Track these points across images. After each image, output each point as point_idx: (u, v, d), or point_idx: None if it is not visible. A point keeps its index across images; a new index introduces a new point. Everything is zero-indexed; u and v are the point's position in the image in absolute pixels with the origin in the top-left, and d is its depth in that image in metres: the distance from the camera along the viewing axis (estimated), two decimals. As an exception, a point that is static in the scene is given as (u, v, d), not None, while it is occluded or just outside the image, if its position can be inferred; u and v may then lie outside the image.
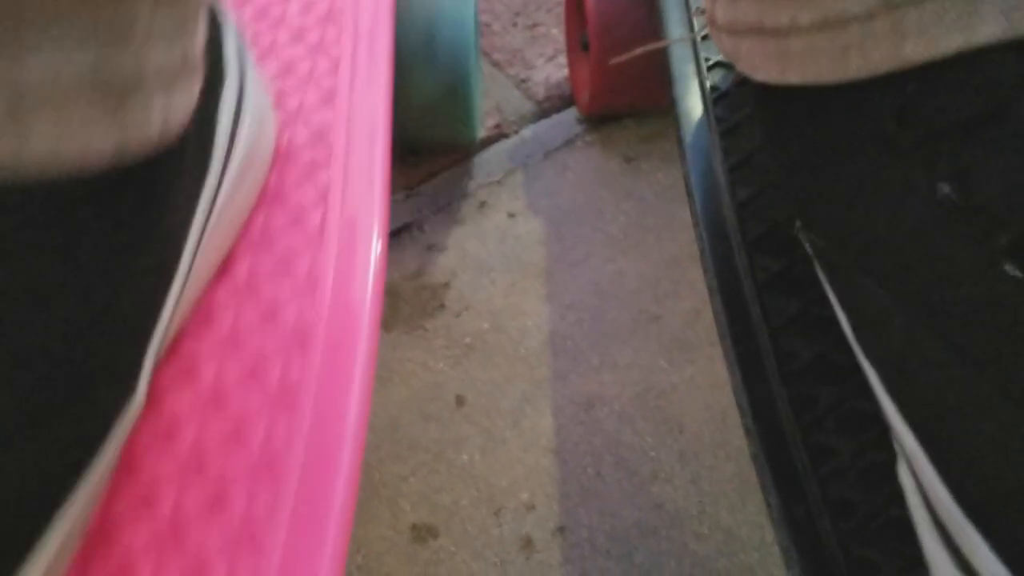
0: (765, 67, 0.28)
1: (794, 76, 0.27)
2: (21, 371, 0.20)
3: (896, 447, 0.26)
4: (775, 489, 0.27)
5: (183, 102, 0.24)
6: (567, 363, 0.44)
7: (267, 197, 0.32)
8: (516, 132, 0.54)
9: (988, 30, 0.23)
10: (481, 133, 0.54)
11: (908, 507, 0.25)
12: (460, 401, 0.42)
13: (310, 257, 0.30)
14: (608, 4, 0.50)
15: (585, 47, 0.53)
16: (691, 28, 0.41)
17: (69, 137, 0.20)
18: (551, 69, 0.57)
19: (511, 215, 0.50)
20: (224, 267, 0.30)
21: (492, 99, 0.56)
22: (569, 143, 0.54)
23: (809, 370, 0.30)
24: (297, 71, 0.36)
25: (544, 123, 0.55)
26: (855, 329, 0.27)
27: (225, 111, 0.29)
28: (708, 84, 0.39)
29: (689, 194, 0.36)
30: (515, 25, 0.61)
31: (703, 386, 0.43)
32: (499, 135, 0.54)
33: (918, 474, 0.24)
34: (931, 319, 0.24)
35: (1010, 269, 0.22)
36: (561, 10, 0.61)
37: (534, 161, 0.53)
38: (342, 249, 0.30)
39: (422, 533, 0.38)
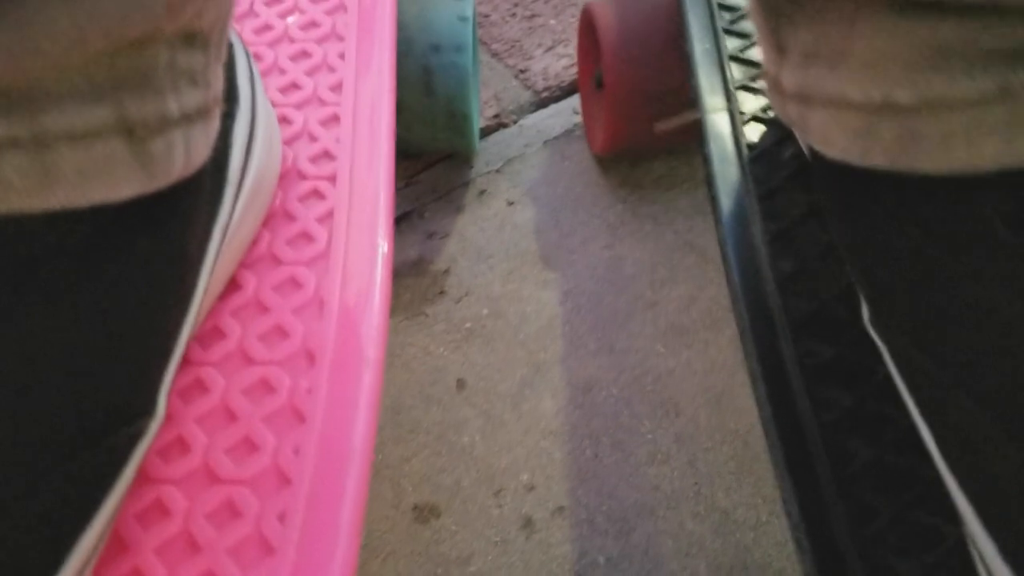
0: (844, 145, 0.24)
1: (881, 160, 0.23)
2: (53, 397, 0.21)
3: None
4: None
5: (204, 136, 0.25)
6: (566, 347, 0.44)
7: (273, 215, 0.32)
8: (515, 122, 0.55)
9: None
10: (480, 123, 0.54)
11: None
12: (461, 385, 0.43)
13: (316, 277, 0.30)
14: (625, 39, 0.47)
15: (599, 84, 0.50)
16: (725, 82, 0.37)
17: (94, 177, 0.21)
18: (549, 59, 0.58)
19: (510, 203, 0.51)
20: (232, 285, 0.30)
21: (491, 89, 0.57)
22: (567, 132, 0.54)
23: (867, 475, 0.26)
24: (302, 89, 0.36)
25: (542, 113, 0.56)
26: (941, 445, 0.23)
27: (239, 136, 0.29)
28: (744, 141, 0.35)
29: (726, 266, 0.33)
30: (513, 16, 0.61)
31: (699, 370, 0.43)
32: (498, 125, 0.55)
33: None
34: None
35: None
36: (560, 1, 0.62)
37: (533, 150, 0.53)
38: (348, 270, 0.30)
39: (424, 513, 0.38)
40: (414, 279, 0.47)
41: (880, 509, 0.25)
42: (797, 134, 0.28)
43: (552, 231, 0.49)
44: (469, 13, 0.45)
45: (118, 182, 0.21)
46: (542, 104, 0.56)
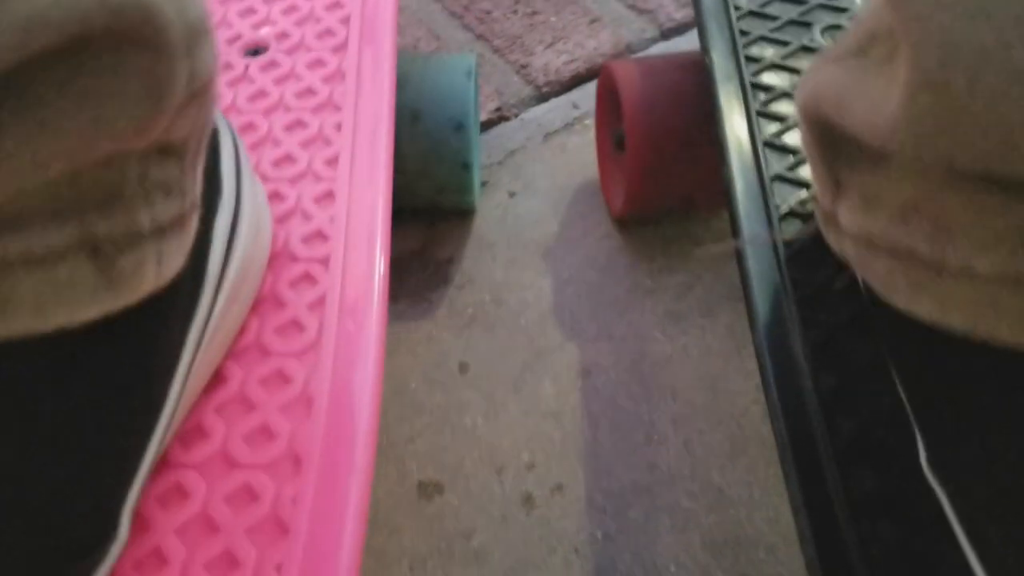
0: (913, 299, 0.23)
1: (957, 323, 0.22)
2: (13, 518, 0.19)
3: None
4: None
5: (179, 245, 0.23)
6: (565, 333, 0.46)
7: (262, 300, 0.31)
8: (516, 115, 0.56)
9: None
10: (482, 116, 0.56)
11: None
12: (463, 368, 0.44)
13: (305, 371, 0.28)
14: (649, 103, 0.45)
15: (619, 144, 0.49)
16: (760, 169, 0.35)
17: (55, 301, 0.19)
18: (550, 55, 0.59)
19: (511, 194, 0.52)
20: (216, 379, 0.29)
21: (492, 84, 0.58)
22: (568, 126, 0.56)
23: None
24: (296, 162, 0.35)
25: (543, 107, 0.57)
26: None
27: (220, 230, 0.27)
28: (780, 239, 0.33)
29: (764, 380, 0.30)
30: (515, 12, 0.62)
31: (695, 355, 0.45)
32: (500, 118, 0.56)
33: None
34: None
35: None
36: (560, -1, 0.63)
37: (534, 143, 0.55)
38: (338, 364, 0.28)
39: (428, 490, 0.40)
40: (418, 267, 0.49)
41: None
42: (855, 271, 0.26)
43: (552, 221, 0.51)
44: (472, 92, 0.45)
45: (82, 304, 0.20)
46: (543, 98, 0.57)
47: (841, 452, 0.27)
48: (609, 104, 0.50)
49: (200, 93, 0.22)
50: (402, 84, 0.44)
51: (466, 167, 0.45)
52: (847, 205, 0.25)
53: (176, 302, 0.24)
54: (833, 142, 0.25)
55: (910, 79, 0.20)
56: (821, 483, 0.26)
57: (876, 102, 0.22)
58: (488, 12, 0.62)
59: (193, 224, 0.24)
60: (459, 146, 0.45)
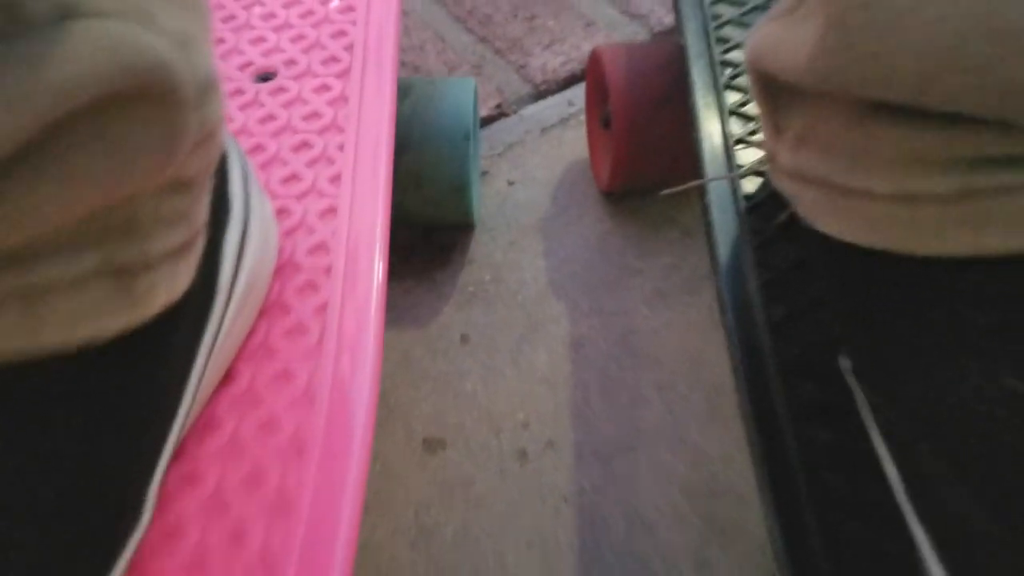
0: (829, 222, 0.27)
1: (862, 238, 0.26)
2: (39, 511, 0.22)
3: None
4: None
5: (187, 266, 0.26)
6: (560, 309, 0.49)
7: (270, 306, 0.34)
8: (515, 111, 0.60)
9: None
10: (483, 112, 0.60)
11: None
12: (464, 339, 0.48)
13: (308, 370, 0.31)
14: (632, 80, 0.49)
15: (606, 124, 0.53)
16: (725, 137, 0.40)
17: (82, 319, 0.22)
18: (547, 56, 0.63)
19: (510, 183, 0.56)
20: (227, 377, 0.32)
21: (494, 82, 0.62)
22: (563, 121, 0.60)
23: (841, 501, 0.29)
24: (302, 180, 0.38)
25: (541, 103, 0.61)
26: (907, 485, 0.26)
27: (230, 246, 0.30)
28: (742, 193, 0.38)
29: (721, 309, 0.35)
30: (515, 16, 0.66)
31: (679, 330, 0.48)
32: (500, 114, 0.60)
33: None
34: (993, 503, 0.23)
35: None
36: (557, 4, 0.67)
37: (531, 137, 0.59)
38: (339, 363, 0.31)
39: (432, 446, 0.43)
40: (424, 250, 0.53)
41: (852, 537, 0.28)
42: (794, 207, 0.30)
43: (548, 207, 0.55)
44: (469, 124, 0.48)
45: (106, 320, 0.23)
46: (540, 96, 0.61)
47: (785, 369, 0.31)
48: (597, 86, 0.54)
49: (208, 137, 0.25)
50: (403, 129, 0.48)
51: (462, 188, 0.48)
52: (784, 145, 0.29)
53: (188, 313, 0.27)
54: (772, 90, 0.29)
55: (820, 23, 0.24)
56: (767, 393, 0.31)
57: (797, 47, 0.26)
58: (489, 16, 0.66)
59: (199, 246, 0.27)
60: (458, 173, 0.48)
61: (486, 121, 0.60)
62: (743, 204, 0.37)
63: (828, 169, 0.26)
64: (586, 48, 0.64)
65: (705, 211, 0.38)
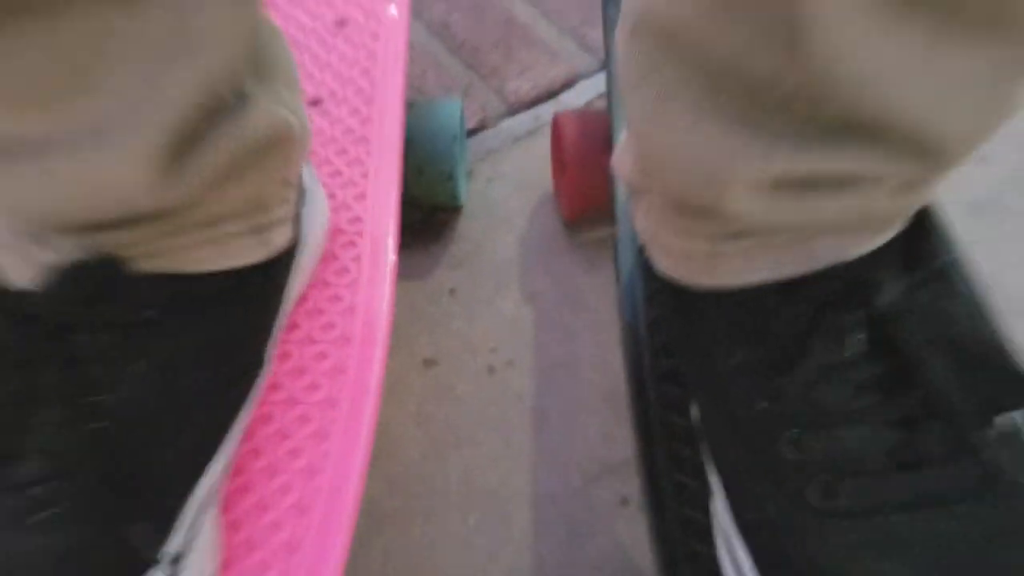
0: (660, 263, 0.44)
1: (671, 271, 0.42)
2: (207, 362, 0.39)
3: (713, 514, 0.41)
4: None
5: (291, 227, 0.45)
6: (522, 271, 0.68)
7: (320, 261, 0.52)
8: (494, 125, 0.78)
9: (758, 275, 0.36)
10: (469, 125, 0.78)
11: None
12: (452, 292, 0.66)
13: (344, 307, 0.49)
14: (582, 143, 0.66)
15: (564, 171, 0.68)
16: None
17: (245, 252, 0.41)
18: (520, 81, 0.81)
19: (489, 180, 0.74)
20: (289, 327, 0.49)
21: (478, 102, 0.80)
22: (531, 133, 0.78)
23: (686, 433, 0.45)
24: (342, 175, 0.58)
25: (515, 118, 0.79)
26: (717, 466, 0.40)
27: (306, 215, 0.48)
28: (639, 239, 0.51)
29: (621, 312, 0.52)
30: (496, 48, 0.85)
31: (609, 289, 0.67)
32: (482, 127, 0.78)
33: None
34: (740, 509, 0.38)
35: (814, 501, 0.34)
36: (528, 39, 0.85)
37: (506, 145, 0.77)
38: (368, 302, 0.49)
39: (429, 363, 0.62)
40: (423, 228, 0.71)
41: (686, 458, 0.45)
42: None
43: (518, 199, 0.73)
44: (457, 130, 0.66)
45: (254, 254, 0.41)
46: (513, 112, 0.79)
47: (657, 376, 0.49)
48: (556, 143, 0.71)
49: (303, 157, 0.45)
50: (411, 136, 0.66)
51: (451, 178, 0.67)
52: (639, 212, 0.46)
53: (288, 256, 0.45)
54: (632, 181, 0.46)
55: (633, 154, 0.43)
56: (640, 360, 0.50)
57: (623, 163, 0.44)
58: (477, 48, 0.85)
59: (294, 214, 0.46)
60: (447, 166, 0.67)
61: (471, 132, 0.78)
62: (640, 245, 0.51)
63: (658, 230, 0.42)
64: (550, 74, 0.82)
65: (615, 248, 0.55)
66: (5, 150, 0.33)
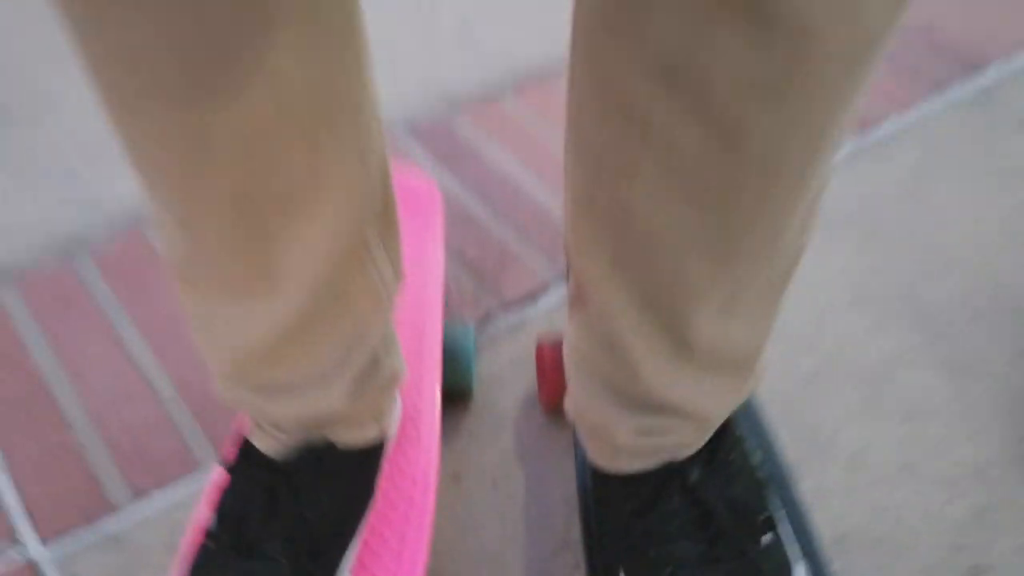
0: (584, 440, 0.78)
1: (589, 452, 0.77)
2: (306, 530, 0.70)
3: None
4: None
5: (391, 420, 0.81)
6: (518, 418, 1.03)
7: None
8: (496, 328, 1.15)
9: (631, 467, 0.70)
10: (478, 334, 1.14)
11: None
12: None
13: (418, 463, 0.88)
14: (553, 367, 0.93)
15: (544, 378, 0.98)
16: None
17: (371, 438, 0.76)
18: (513, 292, 1.18)
19: (489, 370, 1.10)
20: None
21: (482, 307, 1.16)
22: (515, 330, 1.14)
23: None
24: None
25: (509, 319, 1.15)
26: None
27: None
28: None
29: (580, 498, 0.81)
30: (504, 270, 1.22)
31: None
32: (489, 329, 1.14)
33: None
34: None
35: None
36: (518, 268, 1.22)
37: (504, 338, 1.13)
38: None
39: (455, 478, 0.96)
40: (445, 401, 1.06)
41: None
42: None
43: (513, 377, 1.08)
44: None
45: (378, 435, 0.77)
46: (509, 313, 1.16)
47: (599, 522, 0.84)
48: (538, 363, 1.03)
49: None
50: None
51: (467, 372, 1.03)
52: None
53: (387, 439, 0.82)
54: None
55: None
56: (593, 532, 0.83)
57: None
58: (484, 271, 1.22)
59: (392, 415, 0.83)
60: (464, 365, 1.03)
61: (479, 329, 1.14)
62: None
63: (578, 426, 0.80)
64: (529, 287, 1.19)
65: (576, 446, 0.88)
66: (265, 388, 0.68)
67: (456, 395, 1.04)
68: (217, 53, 0.42)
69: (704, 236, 0.50)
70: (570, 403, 0.73)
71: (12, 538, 0.91)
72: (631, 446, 0.66)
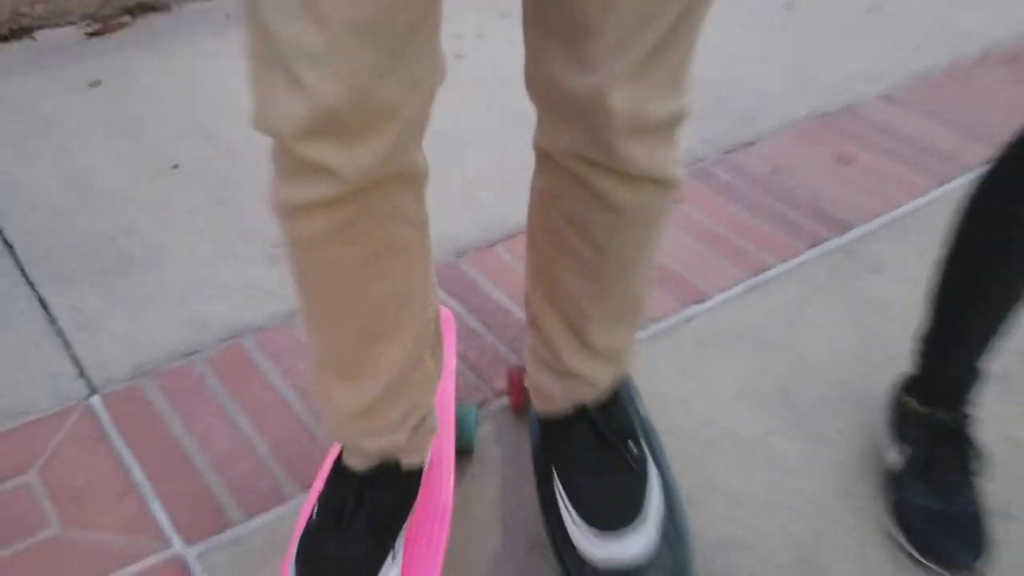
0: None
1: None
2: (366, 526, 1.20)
3: None
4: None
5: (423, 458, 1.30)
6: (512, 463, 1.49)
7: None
8: (490, 410, 1.63)
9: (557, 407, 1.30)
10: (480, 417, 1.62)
11: None
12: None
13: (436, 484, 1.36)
14: (518, 384, 1.42)
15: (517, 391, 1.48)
16: None
17: (417, 462, 1.21)
18: (502, 380, 1.67)
19: (484, 440, 1.57)
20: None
21: (481, 393, 1.65)
22: (505, 408, 1.62)
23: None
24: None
25: (500, 403, 1.64)
26: None
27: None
28: None
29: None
30: (497, 363, 1.71)
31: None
32: (481, 405, 1.63)
33: None
34: None
35: None
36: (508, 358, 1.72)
37: (496, 417, 1.61)
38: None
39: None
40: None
41: None
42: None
43: (510, 436, 1.56)
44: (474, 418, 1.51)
45: (423, 461, 1.26)
46: (499, 399, 1.64)
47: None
48: (508, 381, 1.57)
49: None
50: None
51: (470, 437, 1.51)
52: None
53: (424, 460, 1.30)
54: None
55: None
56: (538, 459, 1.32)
57: None
58: (482, 367, 1.71)
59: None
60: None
61: (480, 407, 1.62)
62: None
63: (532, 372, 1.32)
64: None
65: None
66: (359, 432, 1.18)
67: (462, 449, 1.52)
68: None
69: (590, 288, 1.09)
70: (528, 382, 1.30)
71: (165, 541, 1.36)
72: (558, 397, 1.21)
